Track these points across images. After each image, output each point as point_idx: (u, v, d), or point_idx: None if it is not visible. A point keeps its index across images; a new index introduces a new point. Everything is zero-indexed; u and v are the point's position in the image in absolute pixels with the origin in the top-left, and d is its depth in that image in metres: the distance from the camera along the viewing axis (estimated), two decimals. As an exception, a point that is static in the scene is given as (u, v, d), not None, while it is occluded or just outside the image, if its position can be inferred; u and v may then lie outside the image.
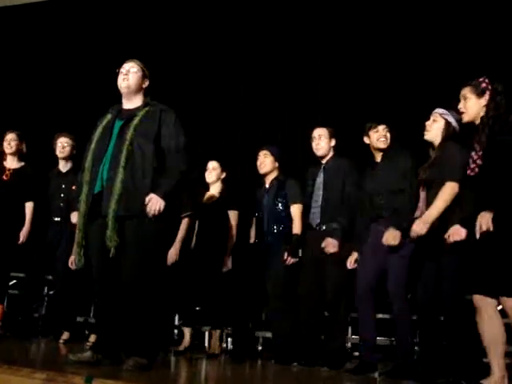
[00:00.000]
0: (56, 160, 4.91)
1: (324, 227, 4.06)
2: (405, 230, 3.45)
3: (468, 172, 2.83)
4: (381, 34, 5.58)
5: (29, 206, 4.79)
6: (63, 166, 4.88)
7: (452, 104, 3.13)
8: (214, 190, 4.65)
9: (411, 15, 5.48)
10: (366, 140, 3.91)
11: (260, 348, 4.97)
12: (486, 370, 2.72)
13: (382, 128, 3.84)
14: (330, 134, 4.22)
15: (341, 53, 5.74)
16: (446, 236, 3.00)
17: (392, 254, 3.58)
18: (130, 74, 3.23)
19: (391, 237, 3.52)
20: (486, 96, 2.87)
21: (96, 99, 6.51)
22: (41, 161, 5.17)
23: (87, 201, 3.06)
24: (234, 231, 4.54)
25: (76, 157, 4.80)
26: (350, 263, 3.87)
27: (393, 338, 4.13)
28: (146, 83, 3.30)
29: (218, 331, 4.48)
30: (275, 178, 4.43)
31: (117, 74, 3.28)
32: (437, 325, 3.29)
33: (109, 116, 3.25)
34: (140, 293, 2.99)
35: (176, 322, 5.26)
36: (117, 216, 2.97)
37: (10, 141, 4.83)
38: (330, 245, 3.93)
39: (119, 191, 2.97)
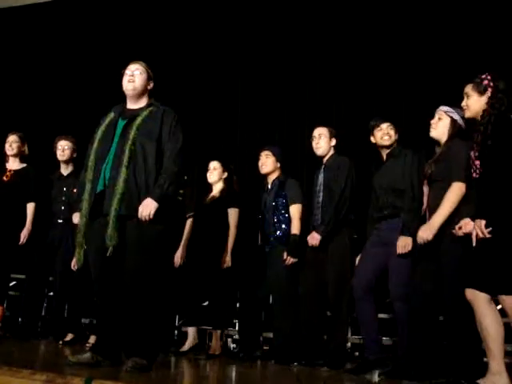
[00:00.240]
0: (58, 162, 4.91)
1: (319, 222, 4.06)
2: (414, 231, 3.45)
3: (473, 175, 2.82)
4: (382, 32, 5.55)
5: (30, 207, 4.79)
6: (64, 169, 4.89)
7: (458, 101, 3.13)
8: (216, 190, 4.65)
9: (413, 12, 5.47)
10: (372, 139, 3.92)
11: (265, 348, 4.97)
12: (485, 370, 2.71)
13: (385, 126, 3.85)
14: (330, 134, 4.22)
15: (341, 51, 5.73)
16: (456, 228, 2.97)
17: (394, 253, 3.58)
18: (135, 76, 3.24)
19: (403, 245, 3.51)
20: (488, 93, 2.86)
21: (97, 101, 6.52)
22: (43, 162, 5.17)
23: (89, 199, 3.07)
24: (234, 229, 4.53)
25: (76, 160, 4.83)
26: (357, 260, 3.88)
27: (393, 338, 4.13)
28: (151, 85, 3.31)
29: (219, 331, 4.48)
30: (276, 178, 4.43)
31: (121, 76, 3.29)
32: (436, 324, 3.29)
33: (112, 115, 3.25)
34: (141, 293, 2.99)
35: (176, 323, 5.26)
36: (118, 215, 2.97)
37: (12, 142, 4.83)
38: (312, 238, 3.97)
39: (122, 190, 2.98)
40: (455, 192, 3.09)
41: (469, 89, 2.94)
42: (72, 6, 7.19)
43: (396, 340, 3.81)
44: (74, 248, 4.29)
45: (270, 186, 4.46)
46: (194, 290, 4.48)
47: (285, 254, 4.15)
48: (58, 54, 7.04)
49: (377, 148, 3.94)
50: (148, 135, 3.09)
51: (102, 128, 3.20)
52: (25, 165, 4.89)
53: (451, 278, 3.06)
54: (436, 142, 3.45)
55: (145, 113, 3.17)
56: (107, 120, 3.24)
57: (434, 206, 3.23)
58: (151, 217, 2.95)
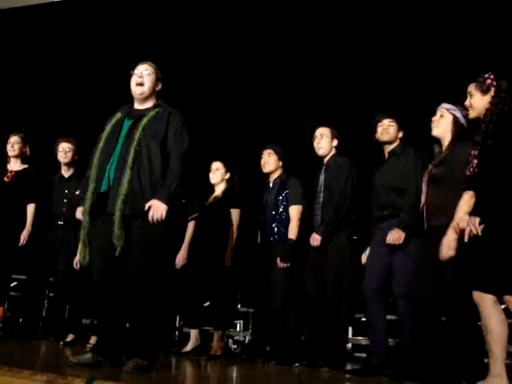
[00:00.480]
0: (58, 164, 4.91)
1: (319, 222, 4.05)
2: (411, 229, 3.47)
3: (467, 172, 2.81)
4: (385, 30, 5.55)
5: (30, 208, 4.79)
6: (66, 171, 4.89)
7: (459, 100, 3.12)
8: (219, 190, 4.64)
9: (417, 10, 5.46)
10: (375, 136, 3.91)
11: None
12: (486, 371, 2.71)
13: (386, 121, 3.85)
14: (332, 134, 4.20)
15: (343, 50, 5.72)
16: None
17: (397, 253, 3.58)
18: (144, 78, 3.24)
19: (394, 237, 3.52)
20: (491, 93, 2.85)
21: (98, 102, 6.54)
22: (43, 164, 5.16)
23: (92, 198, 3.07)
24: (235, 229, 4.53)
25: (78, 162, 4.84)
26: (364, 258, 3.87)
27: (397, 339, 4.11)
28: (159, 86, 3.31)
29: (220, 332, 4.48)
30: (278, 177, 4.43)
31: (130, 76, 3.28)
32: (440, 325, 3.28)
33: (118, 115, 3.25)
34: (144, 293, 2.99)
35: (177, 324, 5.26)
36: (123, 215, 2.96)
37: (14, 143, 4.83)
38: (313, 240, 3.96)
39: (126, 191, 2.97)
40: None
41: (472, 88, 2.93)
42: (73, 6, 7.19)
43: (399, 341, 3.79)
44: (76, 248, 4.38)
45: (271, 185, 4.45)
46: (195, 290, 4.48)
47: (278, 260, 4.15)
48: (58, 55, 7.05)
49: (380, 145, 3.93)
50: (153, 136, 3.08)
51: (109, 128, 3.20)
52: (26, 166, 4.89)
53: (454, 279, 3.04)
54: (436, 140, 3.43)
55: (151, 113, 3.17)
56: (114, 120, 3.23)
57: (432, 206, 3.22)
58: (163, 218, 2.95)
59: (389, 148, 3.87)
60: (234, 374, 3.65)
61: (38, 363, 3.49)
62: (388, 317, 4.26)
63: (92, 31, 6.95)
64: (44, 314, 5.24)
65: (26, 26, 7.35)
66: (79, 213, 3.19)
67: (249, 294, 4.49)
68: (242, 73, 6.20)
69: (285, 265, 4.15)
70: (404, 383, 3.22)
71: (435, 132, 3.39)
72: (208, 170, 4.70)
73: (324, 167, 4.20)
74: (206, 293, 4.49)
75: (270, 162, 4.44)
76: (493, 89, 2.85)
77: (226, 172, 4.64)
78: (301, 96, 5.86)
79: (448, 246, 2.98)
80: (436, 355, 3.21)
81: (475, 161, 2.77)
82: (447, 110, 3.36)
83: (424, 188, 3.36)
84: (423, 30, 5.37)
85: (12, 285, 5.28)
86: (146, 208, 2.97)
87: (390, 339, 4.30)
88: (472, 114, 2.95)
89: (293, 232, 4.20)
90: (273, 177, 4.47)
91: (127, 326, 3.18)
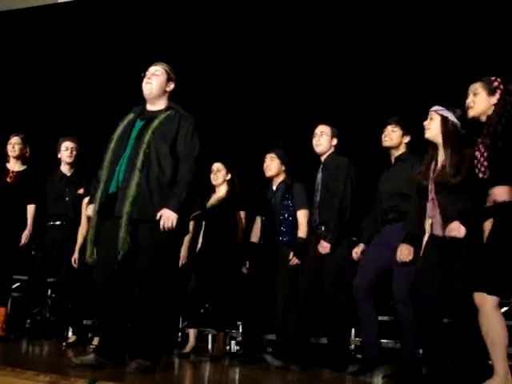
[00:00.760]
0: (58, 163, 4.91)
1: (323, 228, 4.02)
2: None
3: (480, 176, 2.77)
4: (389, 33, 5.53)
5: (30, 209, 4.81)
6: (68, 170, 4.90)
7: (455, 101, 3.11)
8: (221, 191, 4.64)
9: (416, 13, 5.46)
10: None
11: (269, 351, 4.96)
12: (491, 373, 2.70)
13: (390, 127, 3.85)
14: (332, 133, 4.17)
15: (346, 53, 5.71)
16: (446, 232, 2.98)
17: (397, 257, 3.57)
18: (152, 78, 3.24)
19: (405, 253, 3.48)
20: (497, 95, 2.83)
21: (98, 103, 6.58)
22: (40, 164, 5.17)
23: (101, 199, 3.07)
24: (241, 232, 4.56)
25: (78, 161, 4.87)
26: (356, 254, 3.88)
27: (397, 341, 4.11)
28: (171, 87, 3.29)
29: (222, 334, 4.48)
30: (282, 181, 4.42)
31: (142, 78, 3.28)
32: (441, 327, 3.27)
33: (131, 116, 3.25)
34: (150, 296, 2.99)
35: (180, 325, 5.26)
36: (130, 218, 2.96)
37: (15, 144, 4.85)
38: (322, 248, 3.93)
39: (134, 194, 2.97)
40: None
41: (478, 86, 2.89)
42: (73, 7, 7.21)
43: (398, 343, 3.79)
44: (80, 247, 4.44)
45: (274, 188, 4.44)
46: (199, 292, 4.49)
47: (291, 254, 4.15)
48: (55, 56, 7.05)
49: (386, 150, 3.93)
50: (163, 139, 3.07)
51: (120, 128, 3.20)
52: (25, 166, 4.90)
53: (463, 281, 3.02)
54: (430, 144, 3.40)
55: (162, 116, 3.16)
56: (126, 120, 3.23)
57: (448, 215, 3.11)
58: (173, 227, 2.95)
59: (395, 153, 3.87)
60: (237, 376, 3.65)
61: (41, 364, 3.51)
62: (386, 318, 4.28)
63: (91, 32, 6.95)
64: (47, 315, 5.24)
65: (26, 28, 7.35)
66: (90, 209, 3.19)
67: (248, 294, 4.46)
68: (245, 74, 6.20)
69: (296, 261, 4.14)
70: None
71: (427, 135, 3.33)
72: (209, 171, 4.68)
73: (321, 166, 4.17)
74: (210, 295, 4.49)
75: (272, 166, 4.44)
76: (499, 91, 2.83)
77: (227, 173, 4.64)
78: (304, 98, 5.86)
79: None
80: (438, 357, 3.20)
81: (485, 163, 2.74)
82: (435, 111, 3.32)
83: (431, 195, 3.27)
84: (427, 32, 5.35)
85: (15, 286, 5.29)
86: (158, 217, 2.96)
87: (389, 341, 4.32)
88: (472, 113, 2.91)
89: (303, 232, 4.20)
90: (276, 180, 4.46)
91: (128, 326, 3.17)
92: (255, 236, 4.55)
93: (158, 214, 2.96)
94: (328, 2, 5.93)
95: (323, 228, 4.02)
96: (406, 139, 3.87)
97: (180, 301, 4.55)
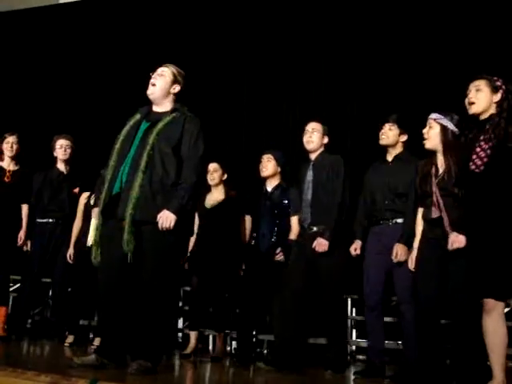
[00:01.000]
0: (54, 161, 4.91)
1: (315, 228, 3.93)
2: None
3: (472, 168, 2.74)
4: (390, 35, 5.55)
5: (25, 208, 4.83)
6: (64, 168, 4.90)
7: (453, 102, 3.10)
8: (217, 192, 4.62)
9: (413, 11, 5.47)
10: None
11: (265, 352, 4.96)
12: (489, 374, 2.71)
13: (387, 125, 3.84)
14: (323, 131, 4.10)
15: (348, 55, 5.73)
16: (448, 246, 2.98)
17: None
18: (157, 78, 3.24)
19: (400, 253, 3.52)
20: (499, 94, 2.83)
21: (95, 104, 6.60)
22: (32, 162, 5.18)
23: (105, 200, 3.07)
24: (245, 236, 4.54)
25: (74, 159, 4.90)
26: (355, 250, 3.85)
27: (399, 342, 4.11)
28: (177, 88, 3.28)
29: (222, 334, 4.48)
30: (278, 185, 4.39)
31: (149, 78, 3.29)
32: (440, 328, 3.28)
33: (137, 116, 3.25)
34: (152, 298, 2.99)
35: (180, 326, 5.27)
36: (133, 220, 2.96)
37: (13, 143, 4.84)
38: (320, 245, 3.82)
39: (137, 195, 2.97)
40: None
41: (481, 83, 2.87)
42: (71, 7, 7.23)
43: (402, 344, 3.79)
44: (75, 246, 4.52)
45: (270, 190, 4.42)
46: (199, 293, 4.49)
47: (278, 249, 4.13)
48: (57, 57, 7.06)
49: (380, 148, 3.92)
50: (167, 141, 3.07)
51: (127, 128, 3.20)
52: (19, 166, 4.90)
53: (462, 282, 3.01)
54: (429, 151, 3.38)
55: (168, 118, 3.16)
56: (132, 121, 3.23)
57: (452, 217, 3.12)
58: (171, 228, 2.95)
59: (392, 152, 3.85)
60: (237, 377, 3.65)
61: (42, 364, 3.51)
62: (389, 319, 4.28)
63: (91, 34, 6.96)
64: (48, 316, 5.24)
65: (23, 29, 7.37)
66: (95, 213, 3.20)
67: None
68: (246, 75, 6.21)
69: (282, 257, 4.12)
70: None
71: (427, 145, 3.32)
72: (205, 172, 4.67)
73: (312, 164, 4.09)
74: (211, 296, 4.49)
75: (268, 166, 4.41)
76: (501, 91, 2.84)
77: (223, 173, 4.64)
78: (305, 98, 5.87)
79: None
80: (438, 358, 3.20)
81: (485, 159, 2.72)
82: (434, 120, 3.31)
83: (436, 199, 3.22)
84: (428, 32, 5.36)
85: (17, 286, 5.29)
86: (158, 219, 2.96)
87: (392, 342, 4.32)
88: (473, 110, 2.89)
89: (294, 235, 4.16)
90: (271, 182, 4.43)
91: (130, 327, 3.17)
92: (244, 235, 4.54)
93: (158, 215, 2.97)
94: (328, 3, 5.94)
95: (315, 228, 3.93)
96: (403, 138, 3.86)
97: (179, 302, 4.56)
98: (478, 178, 2.74)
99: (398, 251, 3.53)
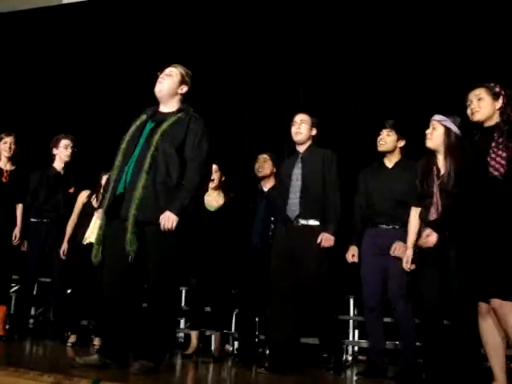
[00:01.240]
0: (52, 160, 4.92)
1: (303, 222, 3.80)
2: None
3: (495, 174, 2.72)
4: (385, 36, 5.55)
5: (19, 208, 4.83)
6: (62, 168, 4.91)
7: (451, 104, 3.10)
8: (217, 193, 4.61)
9: (413, 13, 5.47)
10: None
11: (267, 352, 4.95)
12: (489, 375, 2.72)
13: (385, 131, 3.83)
14: (312, 123, 4.00)
15: (348, 60, 5.72)
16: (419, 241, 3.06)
17: (392, 257, 3.59)
18: (165, 78, 3.25)
19: (400, 250, 3.53)
20: (500, 100, 2.85)
21: (96, 104, 6.60)
22: (25, 161, 5.17)
23: (109, 200, 3.08)
24: None
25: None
26: (354, 257, 3.84)
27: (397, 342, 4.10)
28: (184, 89, 3.29)
29: (220, 333, 4.48)
30: (274, 185, 4.37)
31: (156, 78, 3.30)
32: (441, 328, 3.28)
33: (143, 117, 3.26)
34: (156, 299, 3.00)
35: (182, 326, 5.27)
36: (136, 221, 2.97)
37: (11, 144, 4.84)
38: (327, 240, 3.72)
39: (140, 196, 2.97)
40: None
41: (481, 91, 2.89)
42: (73, 8, 7.23)
43: (399, 344, 3.80)
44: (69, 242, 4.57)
45: (265, 190, 4.42)
46: (200, 294, 4.49)
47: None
48: (60, 57, 7.05)
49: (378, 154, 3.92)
50: (171, 142, 3.07)
51: (132, 129, 3.20)
52: (15, 166, 4.91)
53: (458, 283, 3.03)
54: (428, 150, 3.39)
55: (173, 118, 3.16)
56: (138, 121, 3.24)
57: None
58: (172, 229, 2.95)
59: (392, 158, 3.84)
60: (238, 377, 3.66)
61: (45, 364, 3.51)
62: (387, 320, 4.27)
63: (94, 34, 6.94)
64: (51, 316, 5.25)
65: (22, 29, 7.36)
66: (99, 214, 3.21)
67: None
68: (249, 75, 6.19)
69: None
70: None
71: (429, 144, 3.34)
72: None
73: (300, 156, 3.96)
74: (212, 296, 4.50)
75: (264, 166, 4.43)
76: (502, 97, 2.86)
77: (221, 175, 4.63)
78: (307, 99, 5.86)
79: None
80: (437, 358, 3.21)
81: (503, 162, 2.71)
82: (438, 121, 3.32)
83: (437, 200, 3.23)
84: (427, 36, 5.35)
85: (17, 287, 5.29)
86: (160, 220, 2.96)
87: (389, 342, 4.32)
88: (477, 117, 2.90)
89: None
90: (267, 182, 4.43)
91: (132, 327, 3.18)
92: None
93: (161, 216, 2.97)
94: (328, 5, 5.94)
95: (303, 221, 3.79)
96: (401, 143, 3.85)
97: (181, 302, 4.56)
98: (500, 183, 2.73)
99: (397, 247, 3.55)
